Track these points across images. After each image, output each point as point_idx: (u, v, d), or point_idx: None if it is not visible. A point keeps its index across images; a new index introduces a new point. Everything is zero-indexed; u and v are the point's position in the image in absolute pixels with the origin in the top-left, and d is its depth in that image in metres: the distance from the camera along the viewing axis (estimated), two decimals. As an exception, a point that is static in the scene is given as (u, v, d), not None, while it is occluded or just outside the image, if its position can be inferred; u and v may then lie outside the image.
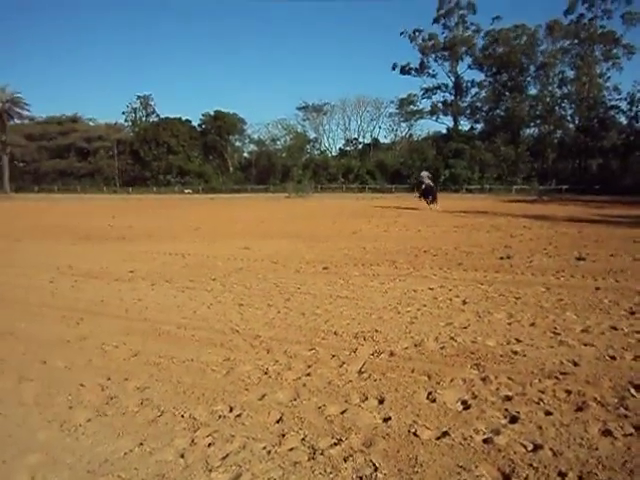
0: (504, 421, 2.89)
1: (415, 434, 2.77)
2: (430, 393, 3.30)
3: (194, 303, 5.97)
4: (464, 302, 5.73)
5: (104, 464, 2.60)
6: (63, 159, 63.41)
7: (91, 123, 69.84)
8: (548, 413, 2.96)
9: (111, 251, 10.77)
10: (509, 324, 4.83)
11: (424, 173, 27.47)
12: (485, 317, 5.09)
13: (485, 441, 2.67)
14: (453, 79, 60.10)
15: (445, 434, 2.76)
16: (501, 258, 8.66)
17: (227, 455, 2.64)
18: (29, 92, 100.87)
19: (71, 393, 3.48)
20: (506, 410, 3.02)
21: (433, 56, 59.44)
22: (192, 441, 2.80)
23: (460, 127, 59.44)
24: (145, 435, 2.87)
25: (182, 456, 2.65)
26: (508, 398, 3.18)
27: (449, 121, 60.97)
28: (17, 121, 57.95)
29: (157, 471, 2.51)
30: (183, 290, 6.69)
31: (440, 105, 60.68)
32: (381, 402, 3.20)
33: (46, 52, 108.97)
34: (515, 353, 3.99)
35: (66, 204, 35.30)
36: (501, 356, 3.94)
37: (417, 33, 58.34)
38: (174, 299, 6.20)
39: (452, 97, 60.45)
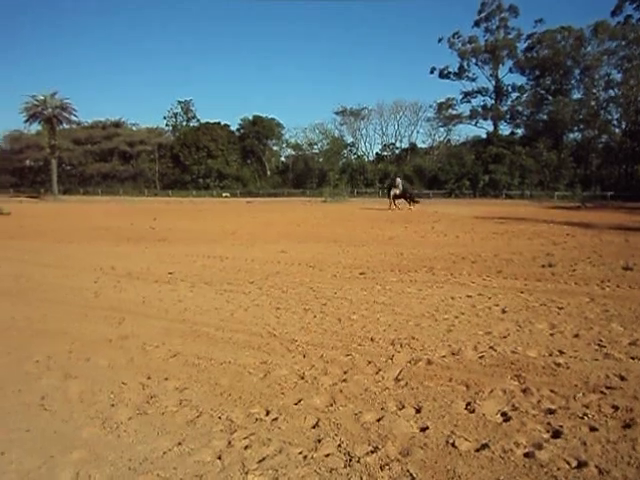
0: (546, 435, 2.81)
1: (453, 445, 2.72)
2: (469, 403, 3.24)
3: (232, 306, 6.05)
4: (504, 311, 5.60)
5: (144, 462, 2.66)
6: (107, 162, 65.39)
7: (134, 128, 71.82)
8: (593, 429, 2.86)
9: (151, 253, 11.03)
10: (551, 335, 4.69)
11: (398, 180, 30.31)
12: (526, 327, 4.96)
13: (526, 455, 2.60)
14: (493, 83, 58.99)
15: (484, 446, 2.70)
16: (543, 266, 8.43)
17: (264, 458, 2.65)
18: (76, 98, 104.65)
19: (113, 391, 3.58)
20: (548, 424, 2.93)
21: (473, 60, 58.55)
22: (229, 443, 2.83)
23: (500, 132, 58.22)
24: (184, 435, 2.92)
25: (219, 458, 2.68)
26: (550, 411, 3.08)
27: (489, 125, 59.82)
28: (65, 126, 60.01)
29: (195, 471, 2.55)
30: (221, 293, 6.78)
31: (480, 109, 59.61)
32: (418, 411, 3.16)
33: (93, 59, 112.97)
34: (558, 365, 3.87)
35: (109, 206, 36.40)
36: (543, 368, 3.82)
37: (456, 37, 57.61)
38: (212, 301, 6.29)
39: (492, 101, 59.31)
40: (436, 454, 2.65)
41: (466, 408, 3.18)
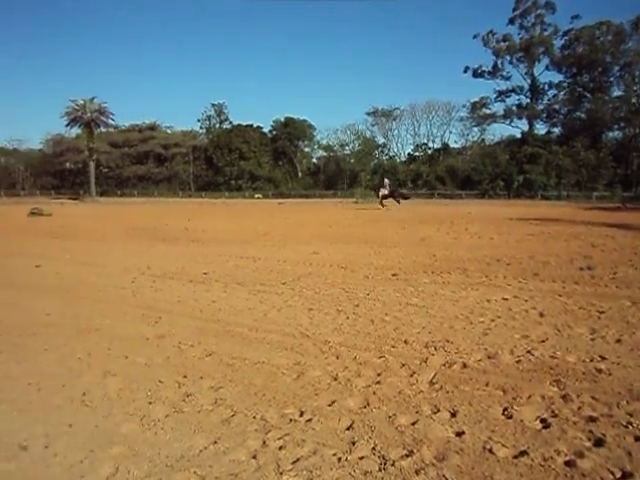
0: (588, 444, 2.72)
1: (490, 451, 2.67)
2: (506, 409, 3.17)
3: (265, 306, 6.10)
4: (541, 314, 5.47)
5: (181, 460, 2.70)
6: (143, 165, 66.96)
7: (168, 131, 73.29)
8: (638, 438, 2.76)
9: (186, 253, 11.23)
10: (592, 340, 4.56)
11: (386, 181, 32.92)
12: (565, 331, 4.83)
13: (567, 464, 2.53)
14: (529, 81, 57.75)
15: (523, 453, 2.64)
16: (581, 269, 8.19)
17: (298, 459, 2.66)
18: (114, 102, 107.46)
19: (150, 389, 3.66)
20: (590, 432, 2.84)
21: (508, 58, 57.45)
22: (264, 443, 2.85)
23: (536, 131, 56.96)
24: (219, 434, 2.96)
25: (254, 457, 2.70)
26: (592, 419, 2.99)
27: (524, 125, 58.56)
28: (103, 129, 61.85)
29: (230, 470, 2.58)
30: (254, 293, 6.85)
31: (514, 108, 58.48)
32: (454, 415, 3.11)
33: (129, 65, 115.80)
34: (599, 371, 3.75)
35: (145, 207, 37.23)
36: (583, 374, 3.71)
37: (491, 35, 56.64)
38: (246, 302, 6.36)
39: (528, 100, 58.10)
40: (473, 460, 2.60)
41: (503, 413, 3.12)
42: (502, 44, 56.61)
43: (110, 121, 60.92)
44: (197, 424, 3.09)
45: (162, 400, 3.46)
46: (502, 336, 4.70)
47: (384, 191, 31.11)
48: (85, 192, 58.59)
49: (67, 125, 58.97)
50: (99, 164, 62.71)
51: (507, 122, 59.61)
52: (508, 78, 58.43)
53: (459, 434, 2.87)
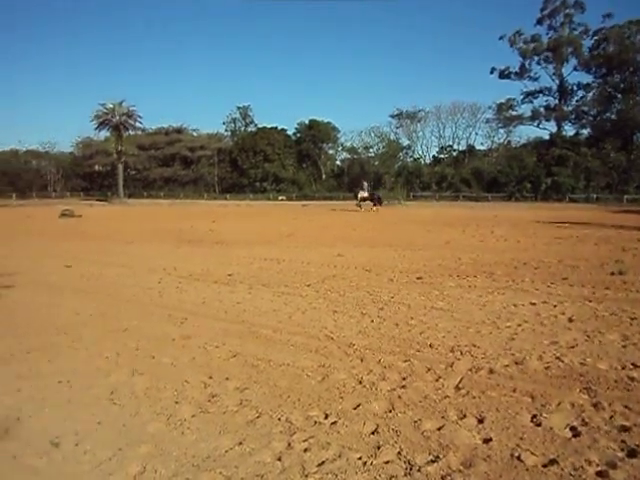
0: (621, 454, 2.65)
1: (519, 459, 2.62)
2: (534, 416, 3.11)
3: (289, 308, 6.11)
4: (570, 320, 5.35)
5: (207, 460, 2.73)
6: (169, 167, 67.87)
7: (194, 133, 74.15)
8: (673, 449, 2.67)
9: (211, 254, 11.34)
10: (623, 347, 4.44)
11: (365, 184, 34.90)
12: (595, 337, 4.71)
13: (599, 474, 2.46)
14: (557, 82, 56.65)
15: (553, 462, 2.58)
16: (612, 273, 8.00)
17: (323, 462, 2.66)
18: (141, 105, 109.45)
19: (177, 389, 3.70)
20: (623, 442, 2.76)
21: (535, 59, 56.46)
22: (289, 445, 2.85)
23: (564, 133, 55.82)
24: (244, 435, 2.98)
25: (279, 459, 2.71)
26: (625, 429, 2.91)
27: (552, 126, 57.42)
28: (131, 132, 62.90)
29: (256, 471, 2.59)
30: (278, 295, 6.87)
31: (542, 110, 57.41)
32: (481, 421, 3.07)
33: (157, 68, 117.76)
34: (632, 379, 3.65)
35: (171, 209, 37.75)
36: (615, 381, 3.62)
37: (518, 35, 55.76)
38: (270, 303, 6.39)
39: (556, 101, 56.98)
40: (500, 467, 2.56)
41: (532, 421, 3.06)
42: (530, 45, 55.68)
43: (138, 124, 61.95)
44: (223, 425, 3.12)
45: (188, 400, 3.50)
46: (530, 342, 4.61)
47: (363, 194, 33.03)
48: (113, 194, 59.69)
49: (96, 128, 60.19)
50: (127, 166, 63.80)
51: (534, 124, 58.59)
52: (536, 79, 57.45)
53: (486, 441, 2.83)
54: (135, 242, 14.30)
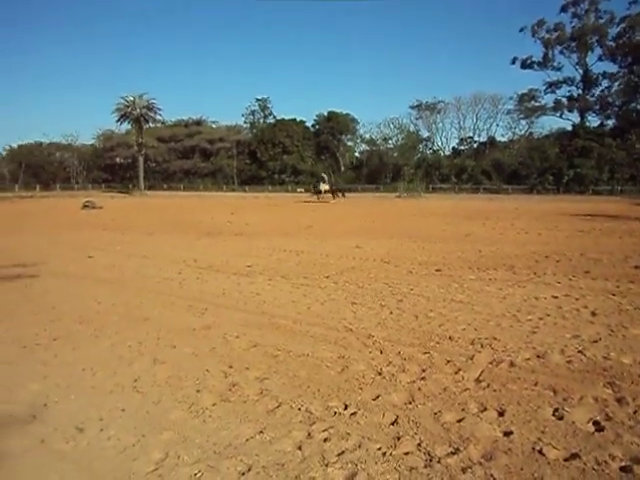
0: (645, 449, 2.61)
1: (540, 452, 2.60)
2: (556, 410, 3.08)
3: (308, 299, 6.13)
4: (593, 313, 5.27)
5: (228, 447, 2.76)
6: (188, 159, 68.37)
7: (214, 125, 74.52)
8: (700, 445, 2.63)
9: (230, 246, 11.42)
10: (649, 341, 4.36)
11: (325, 177, 36.02)
12: (619, 332, 4.63)
13: (623, 469, 2.43)
14: (581, 72, 55.44)
15: (575, 456, 2.55)
16: (636, 267, 7.85)
17: (343, 452, 2.67)
18: (161, 98, 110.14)
19: (198, 377, 3.75)
20: (647, 437, 2.72)
21: (558, 48, 55.29)
22: (309, 434, 2.87)
23: (588, 123, 54.68)
24: (265, 424, 3.01)
25: (299, 448, 2.73)
26: (649, 424, 2.87)
27: (575, 117, 56.30)
28: (151, 125, 63.53)
29: (277, 460, 2.62)
30: (297, 286, 6.90)
31: (565, 100, 56.29)
32: (501, 414, 3.05)
33: (177, 60, 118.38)
34: (657, 374, 3.58)
35: (190, 201, 38.07)
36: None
37: (540, 25, 54.62)
38: (289, 294, 6.41)
39: (579, 91, 55.81)
40: (522, 460, 2.54)
41: (554, 414, 3.03)
42: (553, 34, 54.53)
43: (158, 116, 62.56)
44: (243, 413, 3.15)
45: (209, 389, 3.55)
46: (552, 335, 4.56)
47: (325, 186, 34.35)
48: (134, 186, 60.40)
49: (117, 121, 60.94)
50: (147, 159, 64.43)
51: (557, 114, 57.52)
52: (559, 69, 56.30)
53: (507, 434, 2.81)
54: (155, 233, 14.47)
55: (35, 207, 30.82)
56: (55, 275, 7.93)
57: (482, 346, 4.30)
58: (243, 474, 2.51)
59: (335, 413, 3.13)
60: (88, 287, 7.06)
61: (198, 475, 2.50)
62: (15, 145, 67.43)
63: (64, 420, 3.08)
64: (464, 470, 2.47)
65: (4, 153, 67.63)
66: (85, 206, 27.38)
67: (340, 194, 35.33)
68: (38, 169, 63.62)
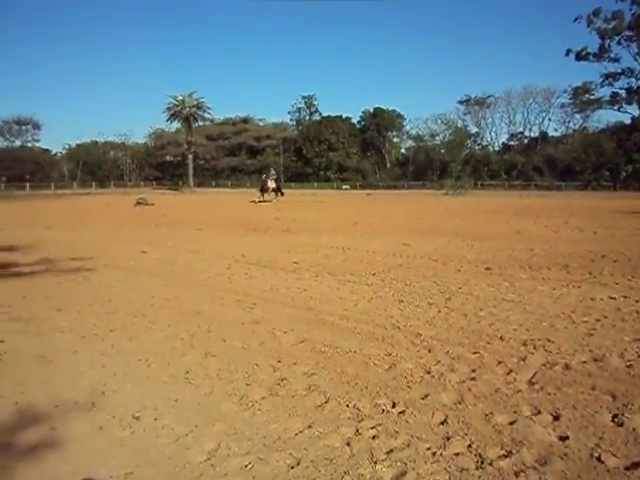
0: None
1: (599, 459, 2.50)
2: (616, 415, 2.95)
3: (355, 296, 6.13)
4: (655, 316, 5.02)
5: (277, 441, 2.80)
6: (236, 157, 69.70)
7: (260, 123, 75.66)
8: None
9: (277, 242, 11.55)
10: None
11: (273, 172, 32.65)
12: (684, 336, 4.39)
13: (688, 480, 2.31)
14: (642, 62, 52.68)
15: (636, 465, 2.44)
16: (703, 268, 7.42)
17: (391, 450, 2.66)
18: (210, 97, 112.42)
19: (247, 371, 3.82)
20: None
21: (616, 38, 52.67)
22: (357, 431, 2.87)
23: (649, 116, 51.94)
24: (313, 419, 3.03)
25: (348, 444, 2.73)
26: None
27: (634, 110, 53.59)
28: (200, 123, 65.14)
29: (325, 455, 2.63)
30: (344, 283, 6.90)
31: (623, 93, 53.67)
32: (556, 418, 2.95)
33: (224, 60, 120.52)
34: None
35: (238, 198, 38.75)
36: None
37: (596, 14, 52.15)
38: (336, 291, 6.43)
39: (639, 83, 53.08)
40: (579, 467, 2.45)
41: (613, 420, 2.90)
42: (610, 23, 51.98)
43: (207, 115, 64.09)
44: (292, 408, 3.19)
45: (258, 383, 3.60)
46: (610, 338, 4.37)
47: (273, 184, 30.60)
48: (183, 183, 62.07)
49: (168, 120, 62.81)
50: (196, 156, 66.06)
51: (614, 108, 54.95)
52: (616, 60, 53.64)
53: (563, 438, 2.72)
54: (204, 229, 14.81)
55: (91, 204, 32.17)
56: (111, 269, 8.25)
57: (535, 347, 4.17)
58: (292, 467, 2.54)
59: (383, 411, 3.12)
60: (142, 281, 7.31)
61: (249, 466, 2.55)
62: (73, 144, 70.68)
63: (121, 408, 3.21)
64: (517, 474, 2.41)
65: (64, 152, 70.97)
66: (138, 203, 28.35)
67: (280, 193, 31.07)
68: (94, 167, 66.42)
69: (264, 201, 29.25)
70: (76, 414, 3.13)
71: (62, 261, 8.82)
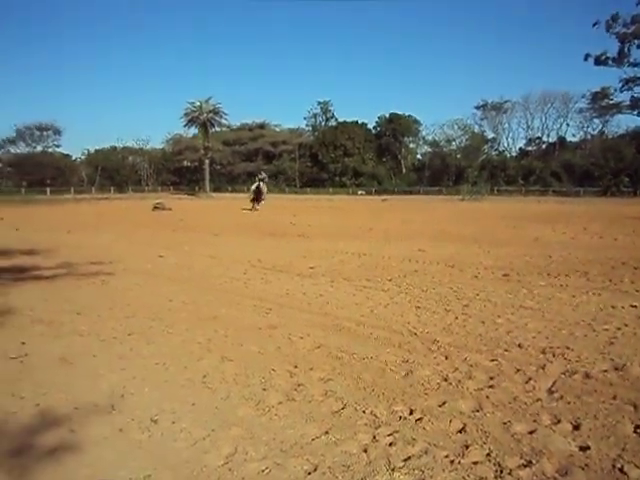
0: None
1: (622, 471, 2.46)
2: (638, 426, 2.90)
3: (371, 302, 6.11)
4: (679, 325, 4.92)
5: (294, 446, 2.80)
6: (252, 162, 70.06)
7: (276, 129, 76.08)
8: None
9: (293, 247, 11.58)
10: None
11: (264, 175, 30.90)
12: None
13: None
14: (663, 67, 51.86)
15: (660, 477, 2.40)
16: None
17: (409, 457, 2.64)
18: (226, 102, 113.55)
19: (264, 376, 3.83)
20: None
21: (636, 42, 51.95)
22: (374, 437, 2.86)
23: (670, 121, 51.13)
24: (330, 425, 3.02)
25: (365, 451, 2.72)
26: None
27: (655, 115, 52.79)
28: (217, 129, 65.61)
29: (342, 461, 2.63)
30: (360, 289, 6.89)
31: (644, 97, 52.87)
32: (576, 428, 2.91)
33: (240, 66, 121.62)
34: None
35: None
36: None
37: (615, 19, 51.49)
38: (352, 297, 6.42)
39: (661, 87, 52.26)
40: (600, 478, 2.41)
41: (635, 431, 2.85)
42: (630, 27, 51.30)
43: (223, 121, 64.51)
44: (309, 413, 3.19)
45: (275, 388, 3.61)
46: (631, 346, 4.30)
47: (264, 188, 28.33)
48: (200, 188, 62.55)
49: (185, 125, 63.41)
50: (213, 161, 66.58)
51: (634, 112, 54.17)
52: (636, 65, 52.92)
53: (583, 449, 2.68)
54: (221, 234, 14.91)
55: (110, 208, 32.59)
56: (129, 273, 8.34)
57: (554, 355, 4.12)
58: (309, 473, 2.54)
59: (400, 418, 3.10)
60: (159, 285, 7.37)
61: (266, 471, 2.55)
62: (92, 149, 71.77)
63: (139, 411, 3.24)
64: (537, 484, 2.38)
65: (83, 157, 72.09)
66: (156, 207, 28.62)
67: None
68: (113, 172, 67.29)
69: (255, 209, 26.95)
70: (95, 417, 3.16)
71: (82, 265, 8.94)
